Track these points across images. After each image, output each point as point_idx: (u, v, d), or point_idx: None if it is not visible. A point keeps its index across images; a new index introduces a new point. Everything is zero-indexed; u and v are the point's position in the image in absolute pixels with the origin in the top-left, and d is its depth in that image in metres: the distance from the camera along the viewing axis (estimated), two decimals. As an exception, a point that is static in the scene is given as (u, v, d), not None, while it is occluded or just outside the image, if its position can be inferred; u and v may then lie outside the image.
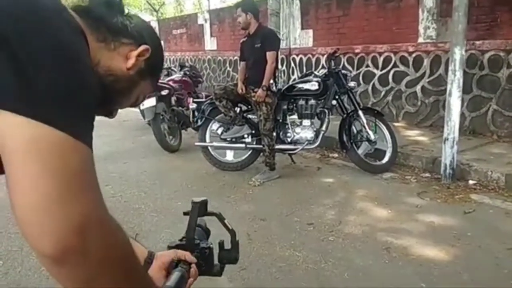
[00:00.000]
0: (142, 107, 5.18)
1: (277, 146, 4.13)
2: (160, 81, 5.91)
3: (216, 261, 0.85)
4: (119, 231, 0.55)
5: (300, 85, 4.18)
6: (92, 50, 0.62)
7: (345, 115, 4.25)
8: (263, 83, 3.83)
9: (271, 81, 4.00)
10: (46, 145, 0.46)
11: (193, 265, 0.79)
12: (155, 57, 0.75)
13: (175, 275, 0.75)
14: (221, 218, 0.84)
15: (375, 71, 6.24)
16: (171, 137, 5.32)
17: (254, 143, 4.24)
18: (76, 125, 0.49)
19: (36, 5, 0.51)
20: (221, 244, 0.85)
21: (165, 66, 8.96)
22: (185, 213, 0.83)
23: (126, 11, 0.74)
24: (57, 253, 0.46)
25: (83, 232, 0.47)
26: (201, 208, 0.82)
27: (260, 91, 3.85)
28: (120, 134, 6.50)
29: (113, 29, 0.69)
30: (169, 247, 0.83)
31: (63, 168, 0.46)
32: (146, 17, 22.15)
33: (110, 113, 0.78)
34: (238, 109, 4.23)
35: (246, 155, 4.36)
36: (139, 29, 0.73)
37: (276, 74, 4.24)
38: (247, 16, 3.93)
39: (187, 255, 0.80)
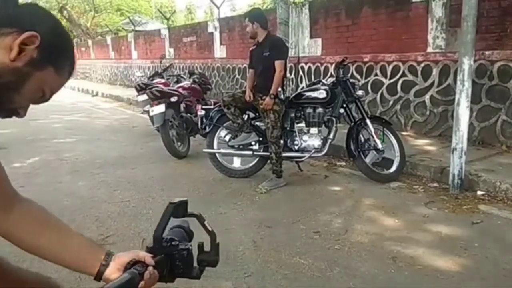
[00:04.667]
0: (151, 113, 5.26)
1: (284, 154, 4.14)
2: (169, 87, 5.99)
3: (195, 264, 0.82)
4: None
5: (308, 93, 4.20)
6: None
7: (352, 124, 4.26)
8: (271, 91, 3.86)
9: (279, 89, 4.03)
10: None
11: (150, 268, 0.76)
12: (50, 43, 0.67)
13: (122, 277, 0.72)
14: (201, 220, 0.82)
15: (383, 80, 6.24)
16: (179, 143, 5.37)
17: (262, 150, 4.26)
18: None
19: None
20: (200, 246, 0.82)
21: (175, 73, 9.05)
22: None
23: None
24: None
25: None
26: (179, 209, 0.80)
27: (267, 99, 3.88)
28: (129, 140, 6.57)
29: None
30: (147, 248, 0.80)
31: None
32: (157, 25, 22.45)
33: (15, 113, 0.71)
34: (246, 117, 4.26)
35: (253, 162, 4.38)
36: (26, 16, 0.67)
37: (284, 82, 4.27)
38: (253, 26, 4.01)
39: (146, 257, 0.77)
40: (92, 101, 12.64)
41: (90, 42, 20.73)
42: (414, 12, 5.77)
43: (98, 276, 0.79)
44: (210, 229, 0.83)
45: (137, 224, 3.22)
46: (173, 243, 0.80)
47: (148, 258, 0.77)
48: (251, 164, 4.39)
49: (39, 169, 4.86)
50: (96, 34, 23.13)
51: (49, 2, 24.20)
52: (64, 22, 25.12)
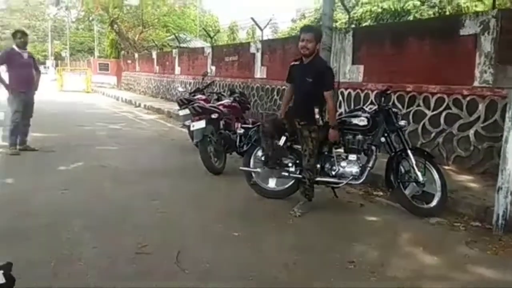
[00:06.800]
0: (192, 128, 5.40)
1: (320, 178, 4.11)
2: (210, 104, 6.14)
3: None
4: None
5: (348, 120, 4.18)
6: None
7: (393, 154, 4.18)
8: (331, 123, 3.91)
9: (317, 115, 3.94)
10: None
11: None
12: None
13: None
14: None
15: (426, 111, 6.12)
16: (216, 159, 5.45)
17: (298, 172, 4.24)
18: None
19: None
20: None
21: (215, 90, 9.26)
22: None
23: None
24: None
25: None
26: None
27: (334, 133, 3.92)
28: (168, 152, 6.75)
29: None
30: None
31: None
32: (200, 42, 23.16)
33: None
34: (284, 138, 4.23)
35: (289, 184, 4.37)
36: None
37: (324, 109, 4.24)
38: (316, 46, 3.85)
39: None
40: (134, 112, 13.10)
41: (136, 55, 21.62)
42: (461, 45, 5.67)
43: None
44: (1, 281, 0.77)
45: (173, 236, 3.28)
46: None
47: None
48: (286, 186, 4.39)
49: (81, 174, 5.07)
50: (142, 48, 24.12)
51: (102, 16, 25.62)
52: (113, 35, 26.47)
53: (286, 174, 4.26)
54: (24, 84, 5.86)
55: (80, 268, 2.66)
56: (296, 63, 4.05)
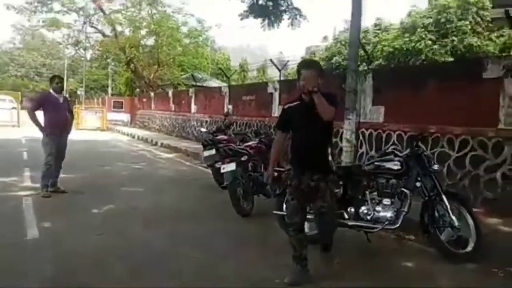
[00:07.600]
0: (222, 170, 5.48)
1: (355, 223, 4.12)
2: (239, 146, 6.25)
3: None
4: None
5: (382, 164, 4.23)
6: None
7: (427, 198, 4.20)
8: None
9: (330, 157, 3.51)
10: None
11: None
12: None
13: None
14: None
15: (450, 152, 6.16)
16: (244, 201, 5.49)
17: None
18: None
19: None
20: None
21: (233, 129, 9.40)
22: None
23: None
24: None
25: None
26: None
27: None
28: (192, 193, 6.81)
29: None
30: None
31: None
32: (213, 81, 23.73)
33: None
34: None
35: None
36: None
37: (332, 151, 3.70)
38: (319, 79, 3.27)
39: None
40: (151, 150, 13.29)
41: (152, 94, 22.16)
42: (485, 87, 5.78)
43: None
44: None
45: (214, 283, 3.28)
46: None
47: None
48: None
49: (114, 217, 5.12)
50: (157, 86, 24.74)
51: (118, 55, 26.46)
52: (129, 73, 27.25)
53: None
54: (59, 127, 6.04)
55: None
56: (293, 104, 3.46)
